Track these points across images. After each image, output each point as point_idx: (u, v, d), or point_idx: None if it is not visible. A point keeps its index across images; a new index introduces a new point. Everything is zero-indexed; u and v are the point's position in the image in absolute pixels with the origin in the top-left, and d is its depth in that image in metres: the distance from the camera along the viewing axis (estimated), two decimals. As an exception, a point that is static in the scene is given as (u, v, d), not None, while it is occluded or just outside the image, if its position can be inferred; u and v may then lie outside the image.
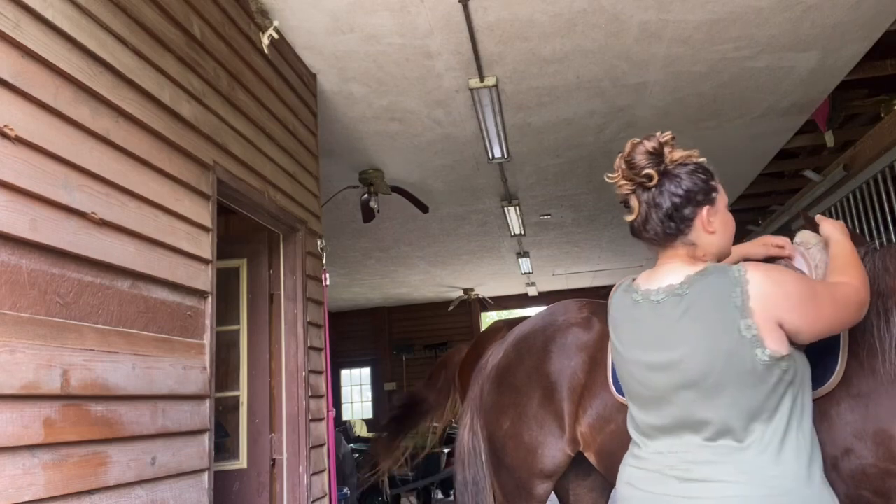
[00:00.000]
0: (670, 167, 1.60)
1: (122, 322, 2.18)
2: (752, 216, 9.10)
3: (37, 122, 1.89)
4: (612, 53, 4.36)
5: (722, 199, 1.65)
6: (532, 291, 13.23)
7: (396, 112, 5.00)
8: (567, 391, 2.53)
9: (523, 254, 10.08)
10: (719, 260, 1.66)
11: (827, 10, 4.00)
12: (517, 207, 7.50)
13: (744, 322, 1.46)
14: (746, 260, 1.86)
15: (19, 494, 1.69)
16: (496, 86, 4.58)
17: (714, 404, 1.48)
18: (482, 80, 4.52)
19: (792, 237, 2.09)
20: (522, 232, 8.54)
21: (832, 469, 1.78)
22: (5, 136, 1.77)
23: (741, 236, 10.57)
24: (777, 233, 8.01)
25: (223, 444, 3.73)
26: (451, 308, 12.67)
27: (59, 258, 1.93)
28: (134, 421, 2.17)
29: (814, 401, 1.79)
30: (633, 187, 1.62)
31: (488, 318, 14.12)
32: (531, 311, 9.35)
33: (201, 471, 2.55)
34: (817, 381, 1.76)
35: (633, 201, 1.63)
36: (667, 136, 1.63)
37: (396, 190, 6.31)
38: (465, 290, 12.70)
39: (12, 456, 1.69)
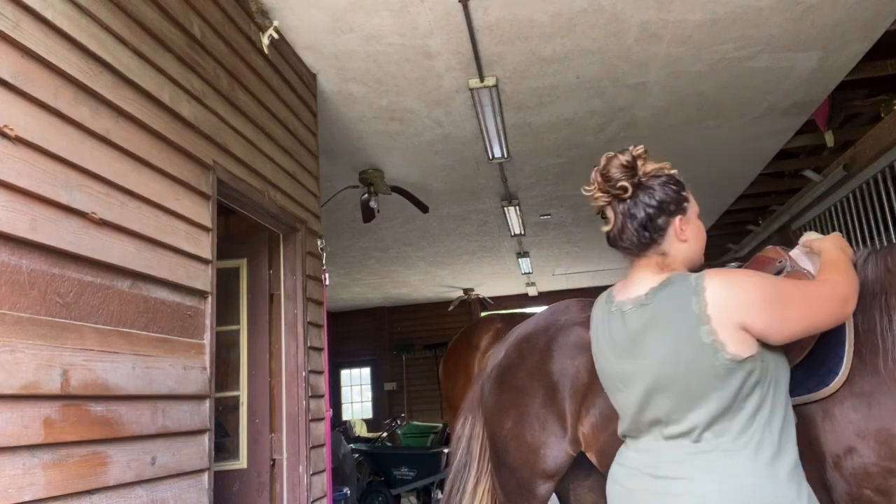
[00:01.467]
0: (644, 179, 1.67)
1: (122, 322, 2.18)
2: (752, 216, 9.09)
3: (37, 122, 1.89)
4: (612, 53, 4.36)
5: (693, 208, 1.72)
6: (532, 291, 13.23)
7: (396, 112, 5.00)
8: (569, 391, 2.53)
9: (523, 254, 10.08)
10: (691, 268, 1.71)
11: (827, 10, 4.00)
12: (517, 207, 7.50)
13: (703, 328, 1.52)
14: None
15: (19, 494, 1.69)
16: (496, 86, 4.58)
17: (680, 407, 1.57)
18: (482, 80, 4.51)
19: (792, 237, 2.09)
20: (522, 232, 8.54)
21: (834, 468, 1.78)
22: (5, 136, 1.77)
23: (741, 236, 10.44)
24: (777, 233, 8.03)
25: (223, 444, 3.73)
26: (451, 308, 12.67)
27: (59, 258, 1.93)
28: (134, 421, 2.17)
29: (817, 401, 1.79)
30: (608, 199, 1.70)
31: (488, 319, 14.09)
32: (528, 310, 9.35)
33: (201, 471, 2.55)
34: (821, 381, 1.77)
35: (609, 212, 1.71)
36: (639, 149, 1.70)
37: (396, 190, 6.30)
38: (465, 290, 12.70)
39: (12, 456, 1.69)
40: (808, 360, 1.83)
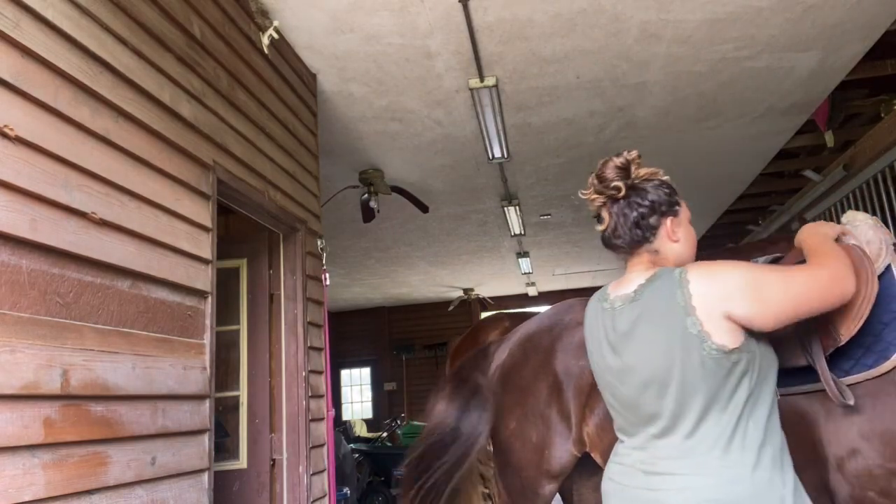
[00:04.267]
0: (637, 182, 1.74)
1: (122, 322, 2.18)
2: (752, 216, 9.09)
3: (37, 122, 1.89)
4: (612, 53, 4.36)
5: (685, 212, 1.79)
6: (532, 291, 13.23)
7: (396, 112, 5.00)
8: (574, 391, 2.52)
9: (523, 254, 10.08)
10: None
11: (827, 10, 4.00)
12: (517, 207, 7.50)
13: (689, 320, 1.57)
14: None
15: (19, 494, 1.69)
16: (496, 86, 4.58)
17: (670, 401, 1.60)
18: (482, 80, 4.51)
19: (792, 237, 2.08)
20: (522, 232, 8.54)
21: (837, 469, 1.78)
22: (5, 136, 1.77)
23: (741, 236, 10.41)
24: (777, 233, 8.02)
25: (223, 444, 3.73)
26: (451, 308, 12.67)
27: (59, 258, 1.93)
28: (134, 421, 2.17)
29: (876, 377, 1.76)
30: (604, 200, 1.77)
31: (488, 319, 14.08)
32: (535, 309, 9.27)
33: (201, 471, 2.55)
34: (881, 356, 1.75)
35: (605, 213, 1.77)
36: (633, 154, 1.76)
37: (396, 190, 6.30)
38: (465, 290, 12.70)
39: (12, 456, 1.69)
40: (861, 337, 1.78)
